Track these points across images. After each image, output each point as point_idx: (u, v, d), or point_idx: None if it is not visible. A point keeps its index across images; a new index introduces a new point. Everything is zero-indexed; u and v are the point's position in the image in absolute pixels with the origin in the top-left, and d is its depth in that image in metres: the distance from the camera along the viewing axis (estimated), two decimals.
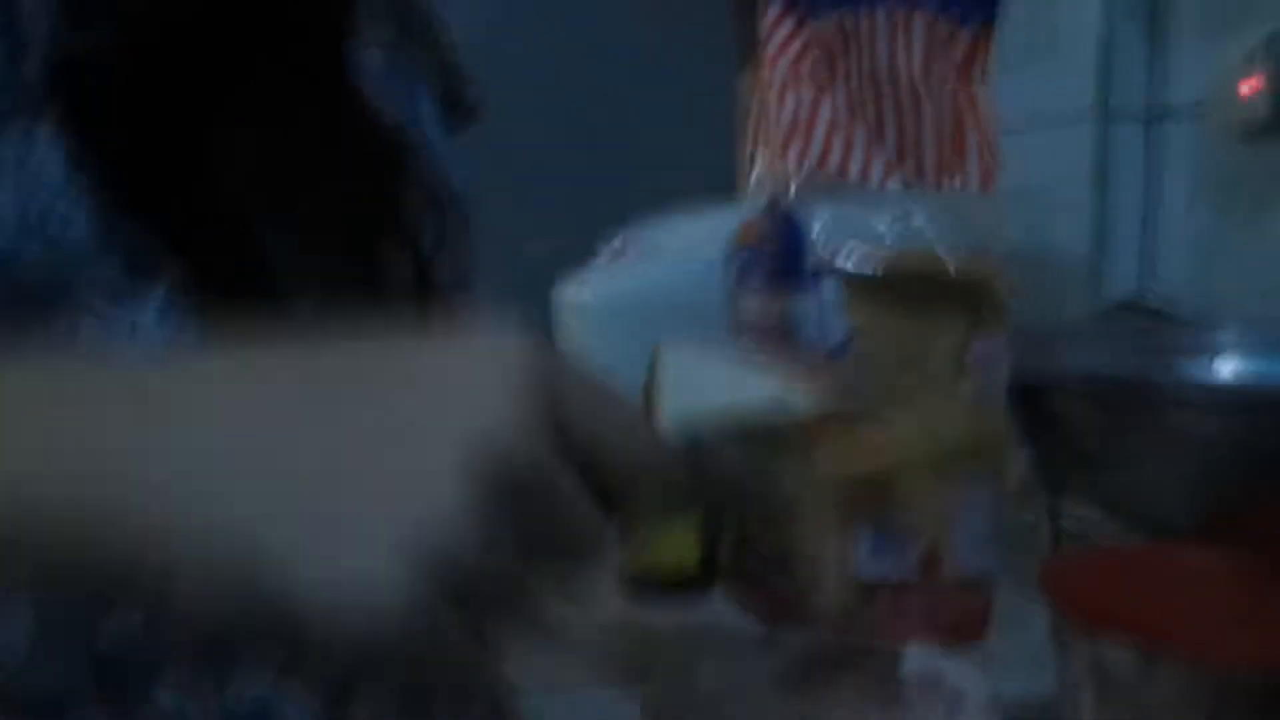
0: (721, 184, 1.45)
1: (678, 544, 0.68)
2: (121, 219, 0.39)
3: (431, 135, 0.56)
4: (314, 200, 0.46)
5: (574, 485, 0.31)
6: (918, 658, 0.51)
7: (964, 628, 0.56)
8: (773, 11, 0.60)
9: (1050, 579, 0.40)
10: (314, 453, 0.30)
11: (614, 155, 1.43)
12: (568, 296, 0.90)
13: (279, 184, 0.44)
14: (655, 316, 0.78)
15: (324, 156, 0.47)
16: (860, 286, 0.55)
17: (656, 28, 1.47)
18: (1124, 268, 0.98)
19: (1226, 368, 0.71)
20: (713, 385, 0.46)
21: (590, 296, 0.89)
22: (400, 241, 0.51)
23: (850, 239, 0.55)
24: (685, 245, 0.87)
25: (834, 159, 0.58)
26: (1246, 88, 0.81)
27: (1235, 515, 0.46)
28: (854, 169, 0.58)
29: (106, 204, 0.39)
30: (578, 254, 0.94)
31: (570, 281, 0.90)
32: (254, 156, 0.43)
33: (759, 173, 0.62)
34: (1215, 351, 0.74)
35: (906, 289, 0.55)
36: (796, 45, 0.59)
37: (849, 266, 0.54)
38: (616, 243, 0.92)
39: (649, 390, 0.44)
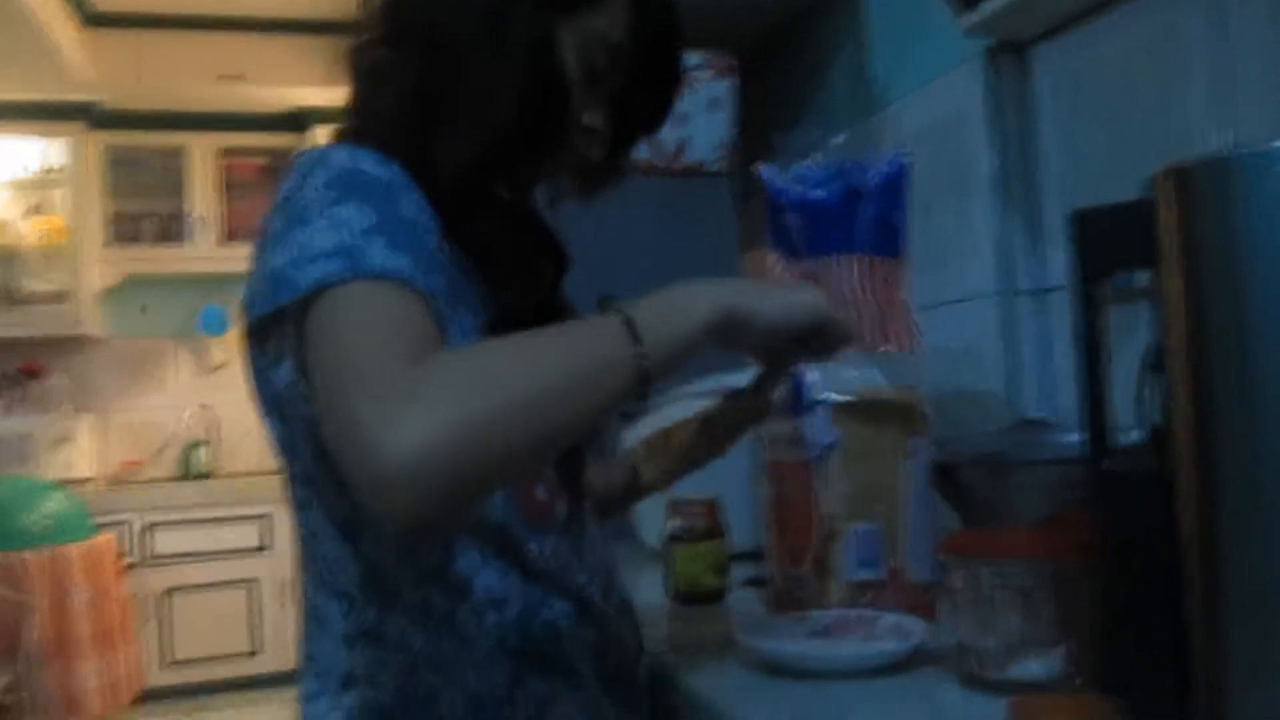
0: None
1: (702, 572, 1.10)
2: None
3: None
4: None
5: None
6: (890, 618, 0.88)
7: (919, 609, 0.93)
8: (774, 254, 1.02)
9: (951, 542, 0.79)
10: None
11: None
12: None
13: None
14: None
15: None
16: (840, 410, 0.94)
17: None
18: (1030, 397, 1.36)
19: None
20: None
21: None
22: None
23: (833, 383, 0.95)
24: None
25: None
26: None
27: (1050, 520, 0.84)
28: None
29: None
30: None
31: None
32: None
33: None
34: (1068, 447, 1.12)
35: (867, 410, 0.95)
36: (790, 275, 1.01)
37: (834, 398, 0.94)
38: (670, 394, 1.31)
39: None
